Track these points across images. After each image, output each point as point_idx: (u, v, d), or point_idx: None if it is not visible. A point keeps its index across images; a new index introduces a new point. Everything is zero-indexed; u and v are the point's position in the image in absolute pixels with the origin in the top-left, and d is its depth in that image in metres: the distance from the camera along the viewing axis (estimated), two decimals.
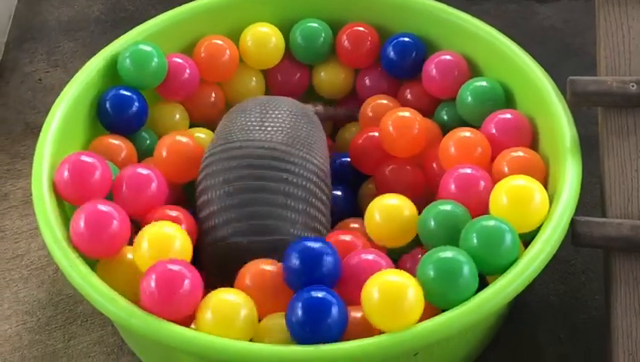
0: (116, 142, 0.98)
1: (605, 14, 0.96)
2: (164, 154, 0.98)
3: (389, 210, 0.91)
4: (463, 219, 0.88)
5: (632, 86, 0.91)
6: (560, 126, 0.93)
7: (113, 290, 0.84)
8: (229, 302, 0.83)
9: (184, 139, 0.99)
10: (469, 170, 0.92)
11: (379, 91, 1.09)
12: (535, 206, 0.87)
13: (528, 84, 0.98)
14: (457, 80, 1.03)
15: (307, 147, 0.94)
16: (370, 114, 1.06)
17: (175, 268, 0.82)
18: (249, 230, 0.89)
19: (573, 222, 0.88)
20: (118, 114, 1.00)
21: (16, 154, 1.17)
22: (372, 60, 1.10)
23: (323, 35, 1.08)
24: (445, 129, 1.02)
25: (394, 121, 1.00)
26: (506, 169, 0.92)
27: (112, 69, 1.02)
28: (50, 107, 0.97)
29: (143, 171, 0.92)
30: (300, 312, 0.80)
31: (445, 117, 1.04)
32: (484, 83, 1.01)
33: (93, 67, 1.01)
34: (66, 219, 0.90)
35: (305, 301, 0.81)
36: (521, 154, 0.93)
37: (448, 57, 1.04)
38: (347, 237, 0.91)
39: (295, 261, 0.84)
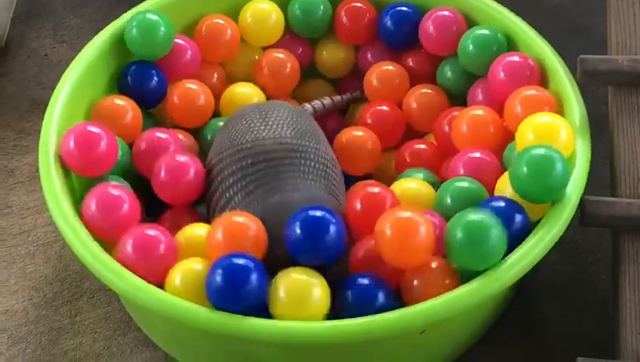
0: (121, 102, 0.98)
1: None
2: (176, 100, 1.01)
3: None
4: (479, 193, 0.88)
5: None
6: (569, 105, 0.93)
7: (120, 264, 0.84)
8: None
9: (194, 86, 1.01)
10: (477, 154, 0.92)
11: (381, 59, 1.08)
12: (562, 142, 0.87)
13: (537, 62, 0.98)
14: (456, 35, 1.03)
15: (315, 138, 0.93)
16: (375, 83, 1.06)
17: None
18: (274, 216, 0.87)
19: (582, 202, 0.87)
20: (139, 87, 1.00)
21: (22, 130, 1.17)
22: (371, 36, 1.09)
23: (322, 7, 1.08)
24: (450, 85, 1.02)
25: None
26: (519, 108, 0.92)
27: (118, 45, 1.01)
28: (57, 83, 0.97)
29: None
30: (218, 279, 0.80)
31: (449, 73, 1.04)
32: (485, 31, 1.00)
33: (99, 43, 1.00)
34: (73, 193, 0.90)
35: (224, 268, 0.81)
36: (533, 92, 0.92)
37: (446, 13, 1.03)
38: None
39: (297, 230, 0.83)
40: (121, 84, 1.02)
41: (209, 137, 1.02)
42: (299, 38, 1.11)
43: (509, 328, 0.96)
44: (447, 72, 1.04)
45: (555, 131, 0.87)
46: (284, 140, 0.91)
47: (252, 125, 0.93)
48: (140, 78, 1.01)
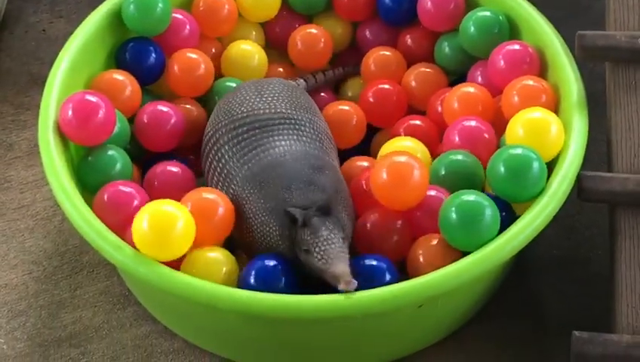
0: (120, 77, 0.98)
1: None
2: (176, 69, 1.01)
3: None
4: (474, 167, 0.89)
5: None
6: (567, 81, 0.93)
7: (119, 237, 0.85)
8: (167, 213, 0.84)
9: (194, 55, 1.02)
10: (473, 123, 0.93)
11: (379, 42, 1.08)
12: (552, 137, 0.88)
13: (536, 39, 0.98)
14: (454, 11, 1.03)
15: (310, 111, 0.94)
16: (373, 67, 1.06)
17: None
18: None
19: (579, 177, 0.88)
20: (137, 63, 1.00)
21: (20, 105, 1.17)
22: (369, 12, 1.09)
23: None
24: (448, 63, 1.02)
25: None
26: (516, 98, 0.92)
27: (116, 21, 1.01)
28: (54, 58, 0.97)
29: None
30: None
31: (447, 49, 1.04)
32: (487, 13, 1.00)
33: (97, 18, 1.00)
34: (72, 166, 0.91)
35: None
36: (531, 83, 0.93)
37: None
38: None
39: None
40: (119, 60, 1.02)
41: (216, 98, 1.02)
42: (296, 14, 1.10)
43: (505, 303, 0.97)
44: (444, 48, 1.04)
45: (545, 127, 0.88)
46: (279, 110, 0.92)
47: (247, 98, 0.94)
48: (138, 54, 1.01)
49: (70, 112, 0.90)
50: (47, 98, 0.93)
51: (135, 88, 0.99)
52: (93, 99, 0.91)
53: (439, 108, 1.00)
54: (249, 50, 1.06)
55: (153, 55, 1.01)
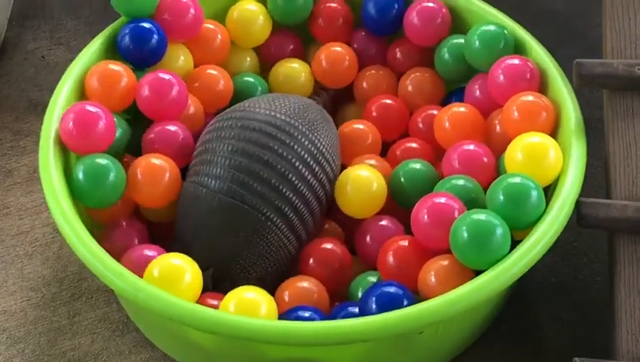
0: (117, 68, 0.97)
1: None
2: (197, 85, 1.02)
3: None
4: (475, 192, 0.90)
5: (638, 69, 0.92)
6: (565, 108, 0.94)
7: (120, 264, 0.85)
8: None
9: (214, 72, 1.03)
10: (472, 147, 0.94)
11: (368, 54, 1.09)
12: (550, 162, 0.89)
13: (537, 66, 0.99)
14: (440, 26, 1.03)
15: (310, 126, 0.94)
16: (365, 86, 1.07)
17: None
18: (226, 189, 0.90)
19: (578, 203, 0.88)
20: (138, 46, 0.99)
21: (19, 131, 1.17)
22: (347, 34, 1.09)
23: None
24: (449, 69, 1.03)
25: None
26: (516, 114, 0.93)
27: (116, 47, 1.02)
28: (53, 84, 0.97)
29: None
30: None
31: (447, 55, 1.03)
32: (492, 27, 1.00)
33: (97, 45, 1.01)
34: (69, 182, 0.91)
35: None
36: (531, 98, 0.93)
37: (430, 4, 1.04)
38: None
39: None
40: (120, 43, 1.01)
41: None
42: (288, 32, 1.10)
43: (504, 329, 0.97)
44: (444, 54, 1.04)
45: (543, 151, 0.89)
46: (275, 114, 0.92)
47: (258, 100, 0.95)
48: (139, 37, 0.99)
49: (71, 123, 0.91)
50: (47, 124, 0.93)
51: (131, 79, 0.97)
52: (93, 109, 0.91)
53: (420, 126, 1.03)
54: (296, 69, 1.07)
55: (155, 37, 1.00)
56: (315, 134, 0.94)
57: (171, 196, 0.94)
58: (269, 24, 1.08)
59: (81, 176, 0.89)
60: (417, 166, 0.96)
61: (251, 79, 1.06)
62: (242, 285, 0.87)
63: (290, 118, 0.93)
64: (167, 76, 0.96)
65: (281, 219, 0.91)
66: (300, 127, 0.93)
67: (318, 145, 0.93)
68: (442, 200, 0.87)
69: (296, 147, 0.91)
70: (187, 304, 0.82)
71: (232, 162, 0.90)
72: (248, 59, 1.09)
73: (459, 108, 0.99)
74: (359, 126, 1.03)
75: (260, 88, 1.06)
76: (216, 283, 0.91)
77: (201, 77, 1.03)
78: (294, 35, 1.11)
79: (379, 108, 1.05)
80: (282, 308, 0.88)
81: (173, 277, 0.84)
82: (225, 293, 0.86)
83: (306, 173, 0.92)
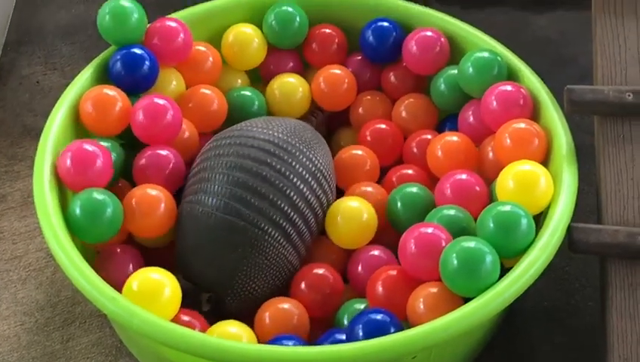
0: (111, 92, 0.97)
1: (602, 25, 0.97)
2: (191, 105, 1.02)
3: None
4: (466, 221, 0.90)
5: (629, 95, 0.93)
6: (556, 134, 0.95)
7: (113, 289, 0.85)
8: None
9: (207, 91, 1.03)
10: (464, 176, 0.94)
11: (362, 79, 1.10)
12: (541, 190, 0.89)
13: (530, 92, 0.99)
14: (439, 55, 1.04)
15: (307, 145, 0.95)
16: (361, 111, 1.08)
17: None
18: (225, 207, 0.90)
19: (570, 229, 0.89)
20: (130, 72, 1.00)
21: (13, 156, 1.17)
22: (342, 60, 1.10)
23: (298, 18, 1.08)
24: (444, 99, 1.04)
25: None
26: (508, 141, 0.93)
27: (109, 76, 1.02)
28: (48, 109, 0.97)
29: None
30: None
31: (442, 86, 1.04)
32: (485, 54, 1.01)
33: (91, 71, 1.01)
34: (66, 217, 0.91)
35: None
36: (523, 125, 0.94)
37: (429, 33, 1.05)
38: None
39: None
40: (111, 69, 1.01)
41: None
42: (288, 52, 1.11)
43: (497, 354, 0.97)
44: (440, 85, 1.05)
45: (534, 180, 0.89)
46: (273, 134, 0.93)
47: (253, 122, 0.96)
48: (130, 63, 1.00)
49: (69, 161, 0.91)
50: (42, 149, 0.93)
51: (125, 103, 0.98)
52: (90, 148, 0.92)
53: (414, 150, 1.04)
54: (293, 83, 1.07)
55: (147, 63, 1.00)
56: (313, 152, 0.94)
57: (167, 226, 0.94)
58: (264, 47, 1.09)
59: (78, 211, 0.89)
60: (414, 190, 0.97)
61: (248, 93, 1.06)
62: (246, 300, 0.88)
63: (287, 137, 0.94)
64: (161, 101, 0.97)
65: (279, 232, 0.91)
66: (298, 145, 0.93)
67: (316, 162, 0.94)
68: (429, 230, 0.88)
69: (294, 164, 0.92)
70: (182, 330, 0.82)
71: (230, 178, 0.91)
72: (239, 80, 1.10)
73: (451, 138, 1.00)
74: (358, 152, 1.03)
75: (256, 102, 1.06)
76: (216, 305, 0.91)
77: (195, 97, 1.03)
78: (294, 52, 1.12)
79: (373, 133, 1.05)
80: (262, 329, 0.88)
81: (152, 291, 0.84)
82: (226, 313, 0.87)
83: (305, 189, 0.92)
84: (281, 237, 0.91)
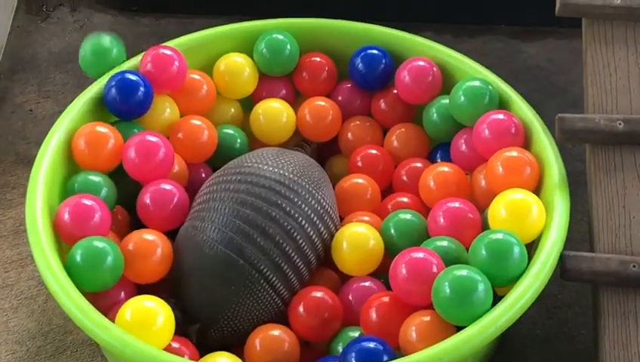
0: (104, 130, 0.97)
1: (592, 53, 0.98)
2: (181, 135, 1.02)
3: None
4: (458, 252, 0.90)
5: (619, 124, 0.93)
6: (548, 162, 0.95)
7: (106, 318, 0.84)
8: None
9: (197, 122, 1.03)
10: (457, 204, 0.94)
11: (352, 106, 1.10)
12: (533, 219, 0.89)
13: (522, 121, 1.00)
14: (431, 85, 1.05)
15: (316, 184, 0.95)
16: (350, 137, 1.08)
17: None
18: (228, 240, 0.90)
19: (562, 257, 0.89)
20: (124, 98, 1.00)
21: (6, 184, 1.17)
22: (331, 88, 1.11)
23: (289, 46, 1.09)
24: (437, 129, 1.04)
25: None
26: (500, 170, 0.94)
27: (103, 102, 1.02)
28: (41, 137, 0.98)
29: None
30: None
31: (435, 116, 1.04)
32: (477, 83, 1.01)
33: (85, 100, 1.01)
34: (58, 246, 0.91)
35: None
36: (514, 154, 0.94)
37: (421, 63, 1.05)
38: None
39: None
40: (106, 95, 1.01)
41: None
42: (280, 79, 1.11)
43: None
44: (432, 114, 1.05)
45: (526, 208, 0.90)
46: (282, 172, 0.94)
47: (264, 154, 0.96)
48: (125, 89, 1.00)
49: (67, 216, 0.91)
50: (34, 176, 0.93)
51: (118, 141, 0.98)
52: (88, 202, 0.92)
53: (404, 178, 1.04)
54: (278, 108, 1.07)
55: (142, 89, 1.00)
56: (321, 193, 0.95)
57: (162, 272, 0.93)
58: (256, 76, 1.09)
59: (78, 259, 0.88)
60: (407, 216, 0.97)
61: (231, 131, 1.07)
62: (229, 336, 0.88)
63: (297, 177, 0.94)
64: (154, 138, 0.97)
65: (277, 276, 0.91)
66: (307, 186, 0.94)
67: (324, 203, 0.95)
68: (420, 255, 0.88)
69: (303, 206, 0.92)
70: (171, 357, 0.81)
71: (239, 213, 0.91)
72: (232, 110, 1.10)
73: (443, 168, 1.00)
74: (358, 180, 1.03)
75: (239, 141, 1.06)
76: (201, 334, 0.91)
77: (185, 127, 1.03)
78: (286, 80, 1.12)
79: (364, 159, 1.06)
80: (253, 357, 0.88)
81: (145, 320, 0.84)
82: (209, 343, 0.87)
83: (311, 232, 0.93)
84: (278, 281, 0.91)
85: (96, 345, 1.00)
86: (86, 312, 0.85)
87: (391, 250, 0.95)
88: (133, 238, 0.93)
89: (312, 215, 0.93)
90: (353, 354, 0.84)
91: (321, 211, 0.94)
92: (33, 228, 0.90)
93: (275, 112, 1.07)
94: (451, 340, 0.83)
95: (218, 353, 0.86)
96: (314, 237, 0.93)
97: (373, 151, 1.06)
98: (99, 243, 0.89)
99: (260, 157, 0.96)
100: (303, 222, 0.92)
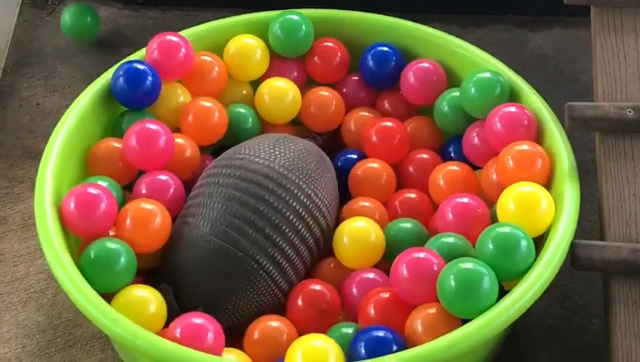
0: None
1: (602, 42, 0.98)
2: (190, 118, 1.01)
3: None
4: (464, 248, 0.90)
5: (629, 112, 0.93)
6: (559, 152, 0.95)
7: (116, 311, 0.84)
8: None
9: (207, 104, 1.02)
10: (465, 199, 0.94)
11: (357, 100, 1.10)
12: (542, 212, 0.89)
13: (534, 113, 0.99)
14: (436, 87, 1.05)
15: (307, 178, 0.95)
16: (353, 127, 1.08)
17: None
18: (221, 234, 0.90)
19: (573, 246, 0.89)
20: (132, 87, 0.99)
21: (14, 178, 1.17)
22: (342, 75, 1.10)
23: (304, 27, 1.08)
24: (448, 122, 1.03)
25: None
26: (511, 163, 0.93)
27: (110, 95, 1.02)
28: (48, 131, 0.98)
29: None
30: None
31: (446, 108, 1.04)
32: (487, 74, 1.00)
33: (92, 93, 1.01)
34: (67, 240, 0.91)
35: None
36: (525, 147, 0.94)
37: (426, 65, 1.05)
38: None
39: None
40: (114, 85, 1.01)
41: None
42: (287, 62, 1.10)
43: None
44: (444, 107, 1.04)
45: (535, 201, 0.89)
46: (272, 165, 0.93)
47: (259, 144, 0.96)
48: (133, 78, 1.00)
49: (72, 205, 0.90)
50: (42, 170, 0.93)
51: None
52: (94, 191, 0.91)
53: (411, 169, 1.03)
54: (283, 87, 1.06)
55: (149, 78, 1.00)
56: (312, 187, 0.94)
57: (161, 242, 0.93)
58: (267, 58, 1.08)
59: (92, 260, 0.88)
60: (408, 225, 0.96)
61: (242, 110, 1.06)
62: (227, 327, 0.88)
63: (287, 171, 0.93)
64: (154, 126, 0.96)
65: (274, 267, 0.91)
66: (297, 180, 0.93)
67: (314, 198, 0.94)
68: (421, 255, 0.87)
69: (291, 201, 0.92)
70: (186, 351, 0.81)
71: (229, 208, 0.91)
72: (244, 91, 1.09)
73: (452, 167, 1.00)
74: (373, 165, 1.03)
75: (250, 120, 1.06)
76: None
77: (195, 110, 1.02)
78: (298, 62, 1.11)
79: (379, 132, 1.04)
80: (252, 347, 0.88)
81: (138, 307, 0.85)
82: None
83: (300, 226, 0.92)
84: (276, 272, 0.91)
85: (106, 337, 1.00)
86: (96, 305, 0.85)
87: (392, 258, 0.95)
88: (131, 207, 0.92)
89: (301, 210, 0.92)
90: (362, 344, 0.83)
91: (311, 206, 0.93)
92: (42, 222, 0.90)
93: (280, 91, 1.06)
94: (463, 329, 0.82)
95: (227, 349, 0.86)
96: (303, 231, 0.93)
97: (389, 124, 1.04)
98: (112, 245, 0.89)
99: (254, 148, 0.96)
100: (292, 217, 0.92)
